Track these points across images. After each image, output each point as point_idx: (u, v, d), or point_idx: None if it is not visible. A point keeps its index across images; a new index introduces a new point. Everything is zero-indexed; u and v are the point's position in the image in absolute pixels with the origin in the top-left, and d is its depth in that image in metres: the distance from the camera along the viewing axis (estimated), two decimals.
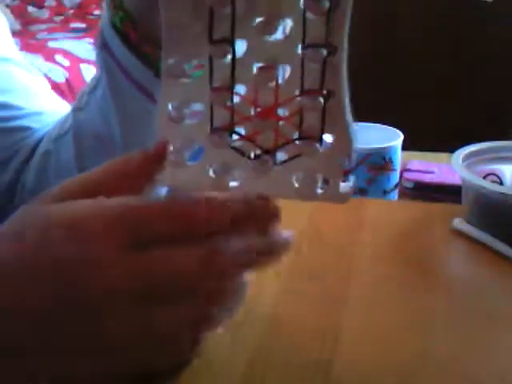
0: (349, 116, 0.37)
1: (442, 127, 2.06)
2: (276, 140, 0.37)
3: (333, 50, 0.35)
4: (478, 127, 1.71)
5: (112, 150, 0.56)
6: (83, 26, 2.73)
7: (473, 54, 2.23)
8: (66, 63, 2.31)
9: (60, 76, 2.23)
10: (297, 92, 0.36)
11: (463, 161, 0.71)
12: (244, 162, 0.38)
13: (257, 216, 0.37)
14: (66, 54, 2.36)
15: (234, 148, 0.38)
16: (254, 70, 0.37)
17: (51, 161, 0.61)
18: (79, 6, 2.92)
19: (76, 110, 0.60)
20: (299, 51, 0.36)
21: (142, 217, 0.35)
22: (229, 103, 0.37)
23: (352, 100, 0.37)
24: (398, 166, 0.81)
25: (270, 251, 0.37)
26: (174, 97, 0.38)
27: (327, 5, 0.35)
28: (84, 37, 2.55)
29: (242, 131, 0.38)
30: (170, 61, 0.38)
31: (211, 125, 0.38)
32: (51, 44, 2.43)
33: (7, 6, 2.77)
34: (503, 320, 0.57)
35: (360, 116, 0.42)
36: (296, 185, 0.38)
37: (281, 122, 0.37)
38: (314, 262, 0.65)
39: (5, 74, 0.65)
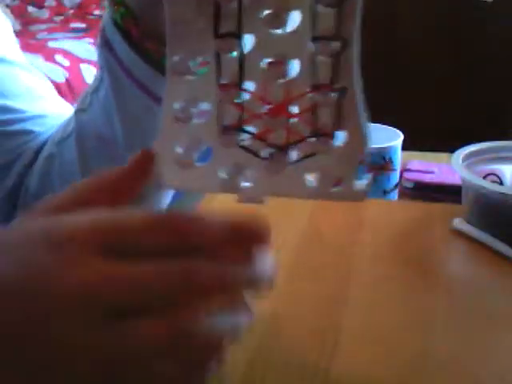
0: (362, 112, 0.35)
1: (441, 127, 2.06)
2: (288, 138, 0.36)
3: (344, 43, 0.34)
4: (478, 127, 1.71)
5: (114, 150, 0.56)
6: (83, 26, 2.73)
7: (473, 54, 2.23)
8: (66, 63, 2.31)
9: (60, 76, 2.23)
10: (308, 88, 0.35)
11: (463, 161, 0.71)
12: (256, 162, 0.36)
13: (239, 238, 0.34)
14: (66, 54, 2.36)
15: (244, 147, 0.36)
16: (262, 65, 0.35)
17: (55, 164, 0.61)
18: (79, 6, 2.92)
19: (79, 112, 0.60)
20: (309, 45, 0.34)
21: (115, 228, 0.33)
22: (237, 100, 0.36)
23: None
24: (398, 166, 0.81)
25: (248, 283, 0.35)
26: (179, 95, 0.37)
27: None
28: (84, 37, 2.55)
29: (252, 130, 0.36)
30: (175, 58, 0.37)
31: (220, 123, 0.36)
32: (51, 44, 2.43)
33: (7, 6, 2.77)
34: (503, 320, 0.57)
35: None
36: (309, 184, 0.36)
37: (292, 120, 0.36)
38: (314, 262, 0.65)
39: (8, 77, 0.64)
